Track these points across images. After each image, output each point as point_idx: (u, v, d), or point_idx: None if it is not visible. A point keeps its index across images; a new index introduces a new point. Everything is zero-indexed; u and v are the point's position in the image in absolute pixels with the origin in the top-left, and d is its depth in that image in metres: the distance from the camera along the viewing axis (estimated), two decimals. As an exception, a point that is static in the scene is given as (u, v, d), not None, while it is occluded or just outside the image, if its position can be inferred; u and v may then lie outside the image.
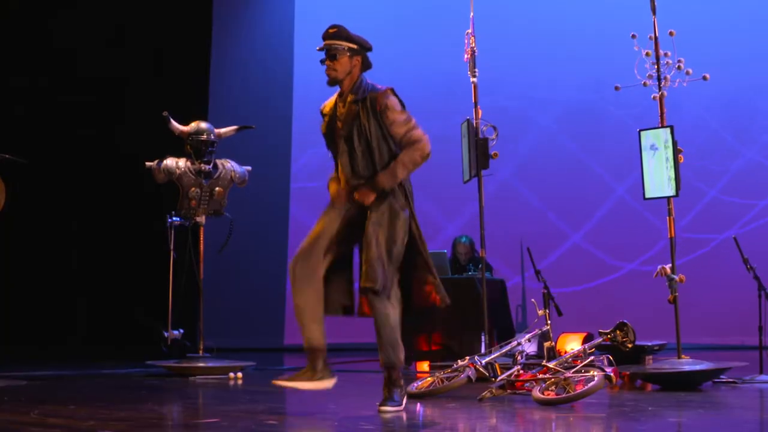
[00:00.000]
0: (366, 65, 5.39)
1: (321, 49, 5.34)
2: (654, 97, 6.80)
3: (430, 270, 5.34)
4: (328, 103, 5.49)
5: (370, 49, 5.40)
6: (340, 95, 5.40)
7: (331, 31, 5.33)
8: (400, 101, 5.35)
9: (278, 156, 11.76)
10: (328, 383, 5.32)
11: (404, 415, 5.19)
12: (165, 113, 8.07)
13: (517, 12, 11.69)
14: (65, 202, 12.08)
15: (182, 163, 8.14)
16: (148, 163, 8.16)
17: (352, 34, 5.35)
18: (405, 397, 5.36)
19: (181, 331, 8.09)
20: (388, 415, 5.15)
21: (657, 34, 6.80)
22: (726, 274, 10.18)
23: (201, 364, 7.89)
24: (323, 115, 5.49)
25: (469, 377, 6.11)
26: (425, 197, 11.32)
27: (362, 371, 8.35)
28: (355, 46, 5.32)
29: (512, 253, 10.88)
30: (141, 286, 11.44)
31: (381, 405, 5.27)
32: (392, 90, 5.34)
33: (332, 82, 5.36)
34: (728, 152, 11.31)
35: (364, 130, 5.25)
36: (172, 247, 8.08)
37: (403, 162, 5.21)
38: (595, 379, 5.46)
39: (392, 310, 5.25)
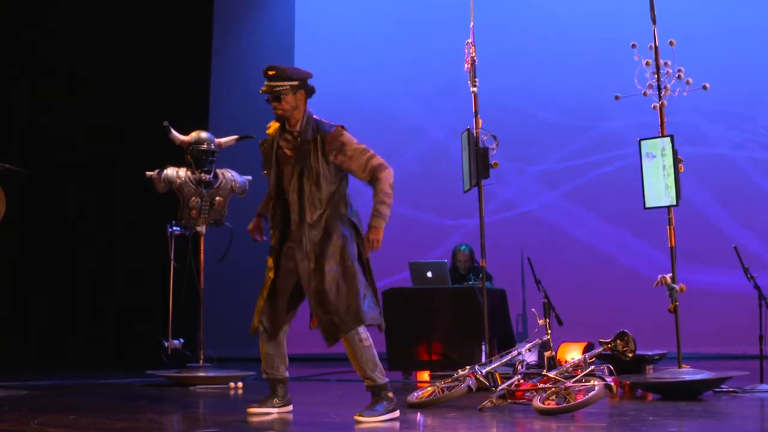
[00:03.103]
0: (309, 93, 5.57)
1: (264, 92, 5.50)
2: (654, 107, 6.81)
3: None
4: (273, 127, 5.63)
5: (310, 76, 5.58)
6: (284, 127, 5.56)
7: (270, 73, 5.49)
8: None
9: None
10: (289, 408, 5.75)
11: (402, 425, 5.18)
12: (165, 123, 8.09)
13: (517, 22, 11.70)
14: (65, 212, 12.07)
15: (183, 172, 8.15)
16: (148, 173, 8.17)
17: (290, 71, 5.52)
18: (389, 411, 5.42)
19: (182, 340, 8.10)
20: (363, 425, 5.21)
21: (657, 44, 6.81)
22: (726, 283, 10.19)
23: (201, 374, 7.89)
24: (262, 146, 5.66)
25: (469, 387, 6.10)
26: (425, 206, 11.38)
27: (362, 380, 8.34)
28: (296, 83, 5.50)
29: (512, 262, 10.88)
30: (141, 295, 11.44)
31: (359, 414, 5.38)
32: (343, 127, 5.52)
33: (281, 119, 5.53)
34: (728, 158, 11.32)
35: (313, 170, 5.41)
36: (172, 256, 8.09)
37: (384, 202, 5.39)
38: (596, 388, 5.45)
39: (363, 339, 5.40)
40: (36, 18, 12.07)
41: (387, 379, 5.49)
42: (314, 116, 5.56)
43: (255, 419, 5.50)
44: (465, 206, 9.80)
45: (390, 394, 5.45)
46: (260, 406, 5.71)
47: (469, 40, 7.56)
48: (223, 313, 11.14)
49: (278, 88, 5.45)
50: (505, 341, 8.55)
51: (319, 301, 5.36)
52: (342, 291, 5.34)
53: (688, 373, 6.49)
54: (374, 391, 5.44)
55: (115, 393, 7.39)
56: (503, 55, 11.11)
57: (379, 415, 5.34)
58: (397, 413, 5.45)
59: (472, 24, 7.59)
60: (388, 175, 5.42)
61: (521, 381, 5.99)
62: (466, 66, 7.58)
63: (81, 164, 12.01)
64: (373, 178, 5.42)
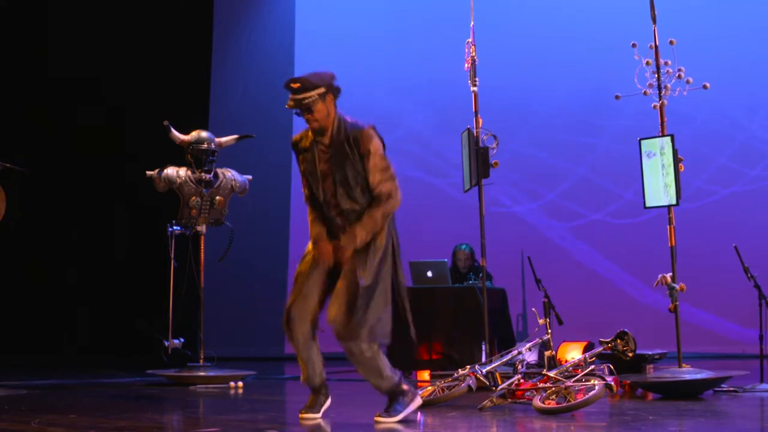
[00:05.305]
0: (336, 95, 5.23)
1: (291, 107, 5.16)
2: (654, 106, 6.80)
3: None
4: (304, 137, 5.34)
5: (334, 78, 5.23)
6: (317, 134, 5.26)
7: (294, 86, 5.13)
8: (382, 141, 5.25)
9: (278, 165, 11.77)
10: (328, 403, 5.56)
11: (403, 425, 5.18)
12: (165, 123, 8.09)
13: (518, 21, 11.71)
14: (65, 211, 12.08)
15: (183, 172, 8.15)
16: (148, 173, 8.17)
17: (314, 79, 5.15)
18: (408, 405, 5.32)
19: (182, 340, 8.09)
20: (382, 426, 5.16)
21: (657, 43, 6.81)
22: (727, 283, 10.18)
23: (201, 374, 7.89)
24: (298, 150, 5.35)
25: (469, 386, 6.10)
26: (425, 206, 11.37)
27: (363, 380, 8.33)
28: (322, 89, 5.14)
29: (513, 262, 10.88)
30: (141, 295, 11.44)
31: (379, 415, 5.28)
32: (374, 129, 5.22)
33: (319, 131, 5.20)
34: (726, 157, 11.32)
35: (353, 174, 5.14)
36: (172, 256, 8.09)
37: (374, 217, 5.11)
38: (596, 388, 5.45)
39: (374, 353, 5.25)
40: (36, 18, 12.07)
41: (397, 376, 5.33)
42: (344, 117, 5.23)
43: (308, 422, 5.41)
44: (465, 206, 9.82)
45: (405, 387, 5.31)
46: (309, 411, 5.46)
47: (469, 40, 7.56)
48: (223, 313, 11.15)
49: (307, 100, 5.09)
50: (505, 340, 8.55)
51: (347, 293, 5.12)
52: (362, 302, 5.10)
53: (688, 373, 6.49)
54: (388, 394, 5.33)
55: (115, 392, 7.38)
56: (501, 55, 11.10)
57: (398, 414, 5.23)
58: (416, 402, 5.34)
59: (472, 24, 7.59)
60: (388, 207, 5.15)
61: (521, 380, 5.98)
62: (466, 66, 7.58)
63: (81, 164, 12.01)
64: (374, 199, 5.14)
